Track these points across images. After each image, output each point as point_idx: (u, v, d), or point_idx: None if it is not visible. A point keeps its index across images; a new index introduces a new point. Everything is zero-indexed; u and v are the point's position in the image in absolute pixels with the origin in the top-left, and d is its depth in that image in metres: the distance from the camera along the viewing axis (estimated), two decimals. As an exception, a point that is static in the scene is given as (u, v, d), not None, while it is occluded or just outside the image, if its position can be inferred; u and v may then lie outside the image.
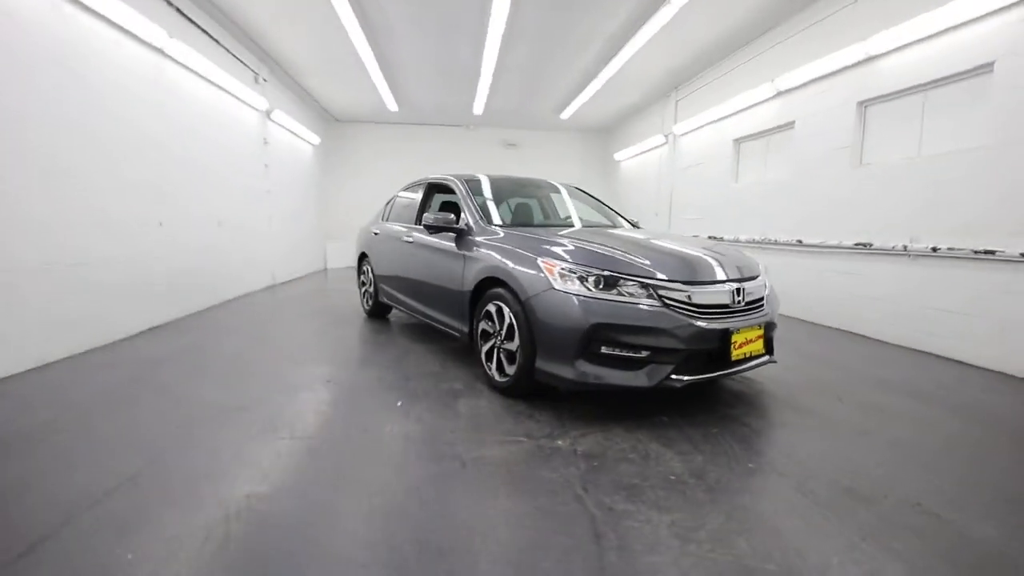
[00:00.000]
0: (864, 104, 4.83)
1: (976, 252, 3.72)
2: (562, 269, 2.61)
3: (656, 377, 2.46)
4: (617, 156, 11.45)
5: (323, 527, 1.67)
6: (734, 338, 2.56)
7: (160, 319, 4.77)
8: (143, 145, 4.52)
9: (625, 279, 2.54)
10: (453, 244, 3.57)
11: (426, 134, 11.96)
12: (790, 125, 5.83)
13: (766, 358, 2.85)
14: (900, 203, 4.42)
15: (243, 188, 6.76)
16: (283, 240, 8.41)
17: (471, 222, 3.54)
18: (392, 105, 9.71)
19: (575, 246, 2.82)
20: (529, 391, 2.86)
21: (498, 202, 3.92)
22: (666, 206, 8.95)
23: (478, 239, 3.36)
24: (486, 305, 3.07)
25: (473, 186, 3.96)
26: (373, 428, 2.49)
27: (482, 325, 3.12)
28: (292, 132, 8.83)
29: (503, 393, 2.98)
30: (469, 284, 3.25)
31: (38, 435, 2.33)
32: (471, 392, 3.05)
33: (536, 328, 2.63)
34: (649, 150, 9.90)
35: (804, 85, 5.51)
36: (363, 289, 5.53)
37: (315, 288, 7.99)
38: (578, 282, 2.56)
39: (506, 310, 2.86)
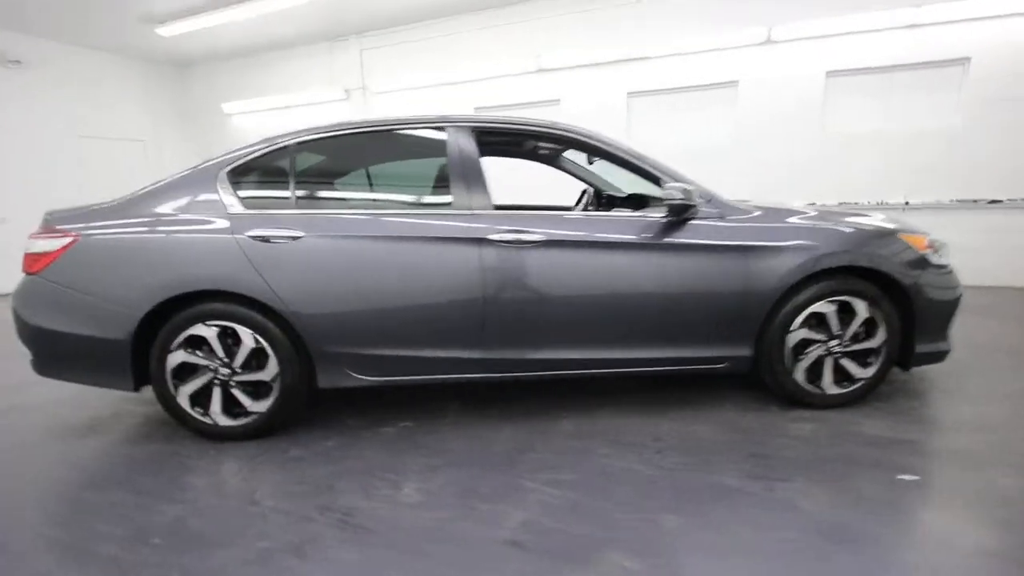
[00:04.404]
0: (632, 95, 6.07)
1: (741, 206, 5.78)
2: (930, 241, 2.44)
3: None
4: (228, 108, 8.41)
5: None
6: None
7: None
8: None
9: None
10: (654, 236, 2.34)
11: None
12: (555, 102, 6.40)
13: None
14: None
15: None
16: None
17: (697, 195, 2.36)
18: None
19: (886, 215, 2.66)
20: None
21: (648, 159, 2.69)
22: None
23: (732, 220, 2.36)
24: (807, 307, 2.33)
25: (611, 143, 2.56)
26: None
27: (800, 335, 2.35)
28: None
29: (832, 407, 2.45)
30: (775, 284, 2.30)
31: None
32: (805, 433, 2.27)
33: (922, 311, 2.37)
34: (307, 104, 7.91)
35: (574, 68, 6.17)
36: (210, 380, 2.22)
37: None
38: (935, 254, 2.48)
39: (859, 304, 2.34)
